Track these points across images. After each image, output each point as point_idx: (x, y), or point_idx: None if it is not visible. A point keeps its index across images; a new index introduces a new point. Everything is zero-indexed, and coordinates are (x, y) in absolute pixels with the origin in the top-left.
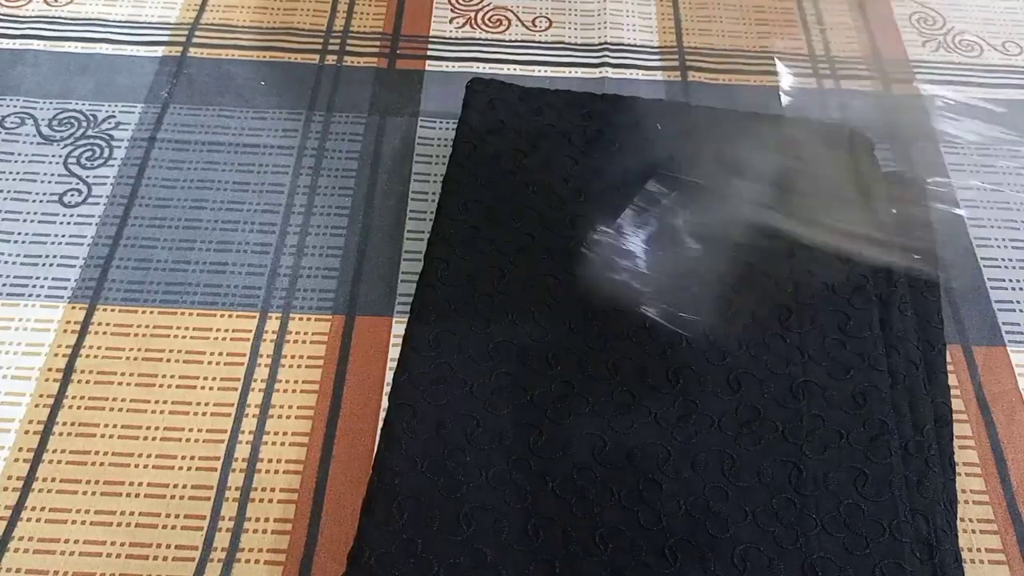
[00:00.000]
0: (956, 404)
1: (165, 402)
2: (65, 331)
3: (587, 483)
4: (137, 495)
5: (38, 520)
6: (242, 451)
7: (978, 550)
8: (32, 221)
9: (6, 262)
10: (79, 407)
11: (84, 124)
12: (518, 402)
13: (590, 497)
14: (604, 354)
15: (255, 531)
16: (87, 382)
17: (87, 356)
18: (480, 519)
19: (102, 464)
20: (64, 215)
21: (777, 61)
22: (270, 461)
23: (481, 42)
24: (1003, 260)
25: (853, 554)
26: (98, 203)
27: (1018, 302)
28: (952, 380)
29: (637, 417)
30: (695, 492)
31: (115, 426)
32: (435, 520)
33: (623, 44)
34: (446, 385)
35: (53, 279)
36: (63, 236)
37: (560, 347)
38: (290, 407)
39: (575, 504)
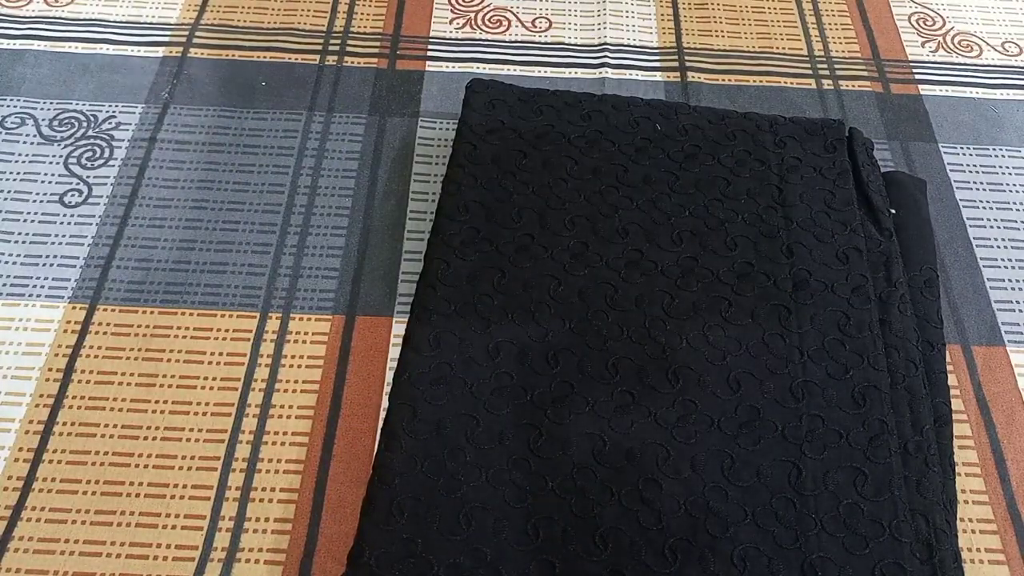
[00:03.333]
0: (956, 404)
1: (165, 402)
2: (65, 331)
3: (587, 483)
4: (137, 495)
5: (38, 520)
6: (242, 451)
7: (978, 550)
8: (32, 221)
9: (6, 262)
10: (79, 407)
11: (84, 124)
12: (518, 402)
13: (590, 497)
14: (604, 354)
15: (255, 531)
16: (87, 382)
17: (87, 356)
18: (480, 519)
19: (102, 464)
20: (64, 215)
21: None
22: (270, 461)
23: (481, 43)
24: (1003, 260)
25: (853, 554)
26: (98, 203)
27: (1017, 302)
28: (952, 380)
29: (636, 417)
30: (695, 492)
31: (115, 426)
32: (435, 520)
33: (623, 45)
34: (446, 385)
35: (53, 279)
36: (63, 236)
37: (560, 347)
38: (290, 407)
39: (575, 504)
